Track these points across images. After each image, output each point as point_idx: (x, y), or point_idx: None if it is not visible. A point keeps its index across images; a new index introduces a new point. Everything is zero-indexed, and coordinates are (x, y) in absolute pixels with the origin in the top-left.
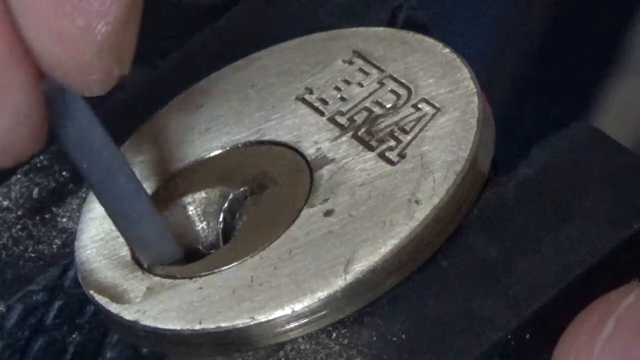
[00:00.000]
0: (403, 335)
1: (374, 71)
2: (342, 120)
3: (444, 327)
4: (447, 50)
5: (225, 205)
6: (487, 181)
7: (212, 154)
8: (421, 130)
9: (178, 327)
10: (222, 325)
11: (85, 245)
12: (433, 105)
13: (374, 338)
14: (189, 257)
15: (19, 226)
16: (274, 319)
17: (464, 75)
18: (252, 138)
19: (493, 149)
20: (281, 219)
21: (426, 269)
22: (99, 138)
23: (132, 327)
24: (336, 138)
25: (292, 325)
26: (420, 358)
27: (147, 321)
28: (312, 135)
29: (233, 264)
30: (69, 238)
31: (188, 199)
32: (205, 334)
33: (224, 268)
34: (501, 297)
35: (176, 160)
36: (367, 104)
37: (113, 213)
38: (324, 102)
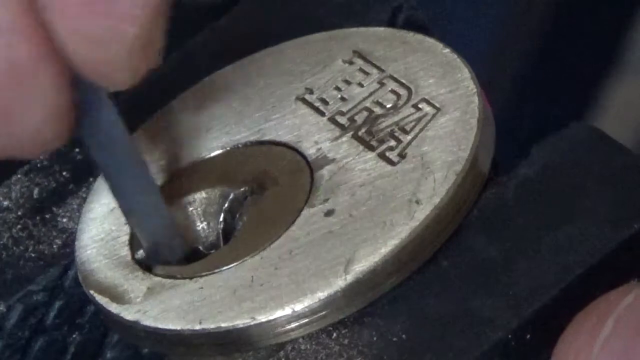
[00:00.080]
0: (403, 335)
1: (374, 71)
2: (342, 120)
3: (444, 327)
4: (447, 50)
5: (226, 205)
6: (487, 181)
7: (212, 154)
8: (421, 130)
9: (178, 327)
10: (223, 325)
11: (86, 245)
12: (433, 105)
13: (375, 338)
14: (190, 257)
15: (19, 226)
16: (274, 319)
17: (464, 75)
18: (252, 138)
19: (493, 149)
20: (281, 219)
21: (426, 269)
22: (119, 132)
23: (132, 327)
24: (336, 138)
25: (292, 325)
26: (421, 358)
27: (148, 321)
28: (313, 135)
29: (233, 264)
30: (69, 238)
31: (188, 199)
32: (205, 334)
33: (224, 268)
34: (501, 297)
35: (177, 160)
36: (367, 104)
37: (127, 206)
38: (324, 102)
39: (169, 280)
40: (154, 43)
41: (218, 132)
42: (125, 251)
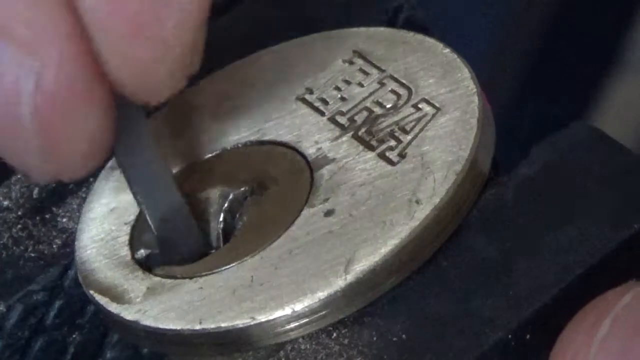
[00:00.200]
0: (403, 335)
1: (374, 71)
2: (342, 120)
3: (444, 327)
4: (447, 50)
5: (226, 205)
6: (487, 181)
7: (212, 154)
8: (421, 130)
9: (178, 327)
10: (223, 325)
11: (86, 245)
12: (433, 105)
13: (374, 338)
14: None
15: (19, 226)
16: (274, 319)
17: (464, 75)
18: (252, 138)
19: (493, 149)
20: (281, 219)
21: (426, 269)
22: (150, 148)
23: (132, 327)
24: (336, 138)
25: (292, 325)
26: (421, 358)
27: (148, 321)
28: (313, 135)
29: (233, 264)
30: (69, 238)
31: (188, 198)
32: (205, 334)
33: (224, 268)
34: (501, 297)
35: (176, 161)
36: (367, 104)
37: (144, 197)
38: (324, 102)
39: (168, 280)
40: (194, 63)
41: (218, 132)
42: (125, 251)
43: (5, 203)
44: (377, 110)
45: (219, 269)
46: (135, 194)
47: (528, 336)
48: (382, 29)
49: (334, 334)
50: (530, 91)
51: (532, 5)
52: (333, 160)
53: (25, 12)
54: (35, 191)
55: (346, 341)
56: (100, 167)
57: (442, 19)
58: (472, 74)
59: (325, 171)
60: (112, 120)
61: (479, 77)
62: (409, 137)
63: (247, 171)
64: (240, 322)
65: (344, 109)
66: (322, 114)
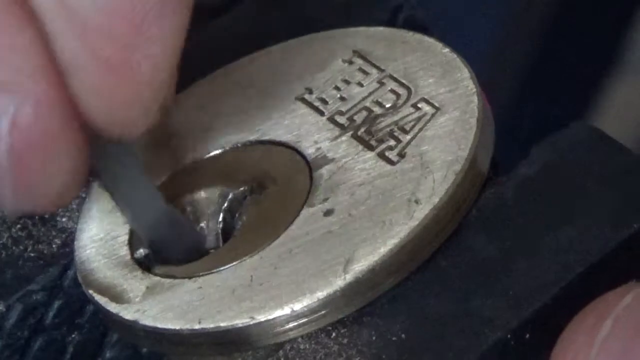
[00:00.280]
0: (402, 335)
1: (374, 71)
2: (341, 120)
3: (443, 327)
4: (446, 50)
5: (225, 204)
6: (486, 181)
7: (211, 154)
8: (421, 129)
9: (177, 327)
10: (222, 324)
11: (85, 245)
12: (433, 105)
13: (374, 338)
14: (190, 256)
15: (18, 226)
16: (273, 319)
17: (464, 75)
18: (252, 138)
19: (492, 148)
20: (281, 219)
21: (426, 268)
22: (132, 168)
23: (131, 327)
24: (336, 138)
25: (291, 324)
26: (420, 357)
27: (147, 321)
28: (312, 135)
29: (233, 264)
30: (69, 238)
31: (188, 198)
32: (204, 333)
33: (223, 268)
34: (501, 296)
35: (176, 160)
36: (366, 103)
37: (125, 207)
38: (323, 101)
39: (168, 280)
40: (168, 99)
41: (217, 131)
42: (125, 251)
43: None
44: (377, 109)
45: (218, 269)
46: (120, 209)
47: (528, 336)
48: (381, 28)
49: (333, 334)
50: (530, 91)
51: (532, 5)
52: (332, 160)
53: (1, 52)
54: None
55: (345, 341)
56: None
57: (442, 19)
58: (471, 74)
59: (324, 171)
60: (87, 158)
61: (479, 77)
62: (408, 137)
63: (247, 171)
64: (240, 322)
65: (344, 109)
66: (321, 113)
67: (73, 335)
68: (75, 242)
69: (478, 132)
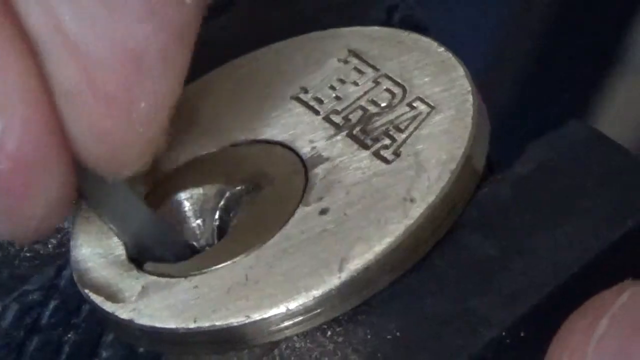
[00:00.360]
0: (398, 333)
1: (369, 70)
2: (337, 119)
3: (439, 325)
4: (442, 49)
5: (222, 203)
6: (482, 179)
7: (208, 153)
8: (416, 128)
9: (173, 326)
10: (217, 323)
11: (81, 245)
12: (428, 104)
13: (369, 336)
14: (185, 254)
15: None
16: (268, 318)
17: (459, 74)
18: (247, 137)
19: (488, 147)
20: (276, 218)
21: (421, 267)
22: (117, 186)
23: (127, 326)
24: (331, 137)
25: (286, 323)
26: (416, 356)
27: (143, 320)
28: (307, 134)
29: (228, 263)
30: (65, 237)
31: (184, 195)
32: (200, 332)
33: (218, 266)
34: (497, 295)
35: (173, 158)
36: (362, 102)
37: (103, 213)
38: (319, 101)
39: (163, 279)
40: (162, 140)
41: (213, 130)
42: (120, 250)
43: None
44: (372, 109)
45: (214, 268)
46: (103, 220)
47: (523, 334)
48: (377, 28)
49: (329, 332)
50: (530, 91)
51: (532, 5)
52: (328, 159)
53: None
54: None
55: (341, 339)
56: None
57: (441, 19)
58: (466, 73)
59: (320, 170)
60: (72, 188)
61: (479, 77)
62: (403, 136)
63: (243, 170)
64: (235, 321)
65: (339, 108)
66: (317, 113)
67: (69, 335)
68: (71, 242)
69: (473, 130)
